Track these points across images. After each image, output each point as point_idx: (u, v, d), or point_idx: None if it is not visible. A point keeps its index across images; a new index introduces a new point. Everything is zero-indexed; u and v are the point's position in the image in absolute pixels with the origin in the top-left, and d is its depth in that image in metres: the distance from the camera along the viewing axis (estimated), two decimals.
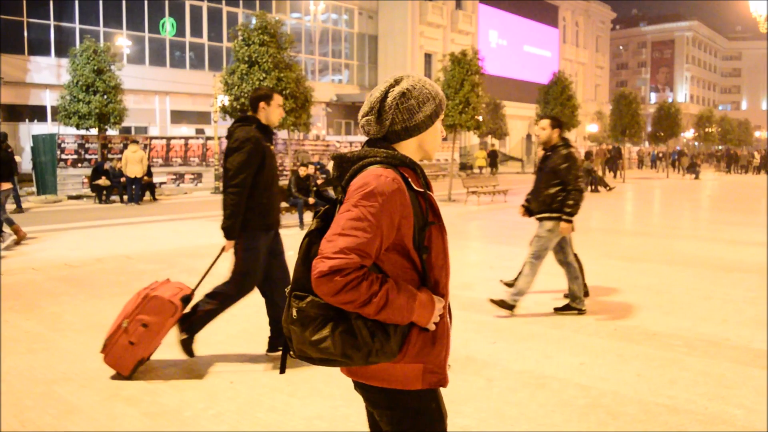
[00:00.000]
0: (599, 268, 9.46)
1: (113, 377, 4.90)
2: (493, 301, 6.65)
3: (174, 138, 24.87)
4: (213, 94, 15.27)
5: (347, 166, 2.11)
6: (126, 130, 30.98)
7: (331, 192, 2.24)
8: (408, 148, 2.16)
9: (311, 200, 13.67)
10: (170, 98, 33.72)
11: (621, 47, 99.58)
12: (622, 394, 4.59)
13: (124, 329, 4.81)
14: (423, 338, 2.07)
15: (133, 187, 18.86)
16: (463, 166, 39.94)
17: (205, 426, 4.12)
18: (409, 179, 2.05)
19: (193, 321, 5.21)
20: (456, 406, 4.35)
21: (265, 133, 5.17)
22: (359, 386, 2.18)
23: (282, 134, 29.90)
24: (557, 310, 6.83)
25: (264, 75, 14.46)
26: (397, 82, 2.14)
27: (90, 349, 5.64)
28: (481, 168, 37.83)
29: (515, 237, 12.59)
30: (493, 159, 36.68)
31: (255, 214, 5.11)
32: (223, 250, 5.23)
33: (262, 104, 5.15)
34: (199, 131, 32.58)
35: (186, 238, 12.23)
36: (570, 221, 6.59)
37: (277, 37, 14.86)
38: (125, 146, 20.61)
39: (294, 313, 2.01)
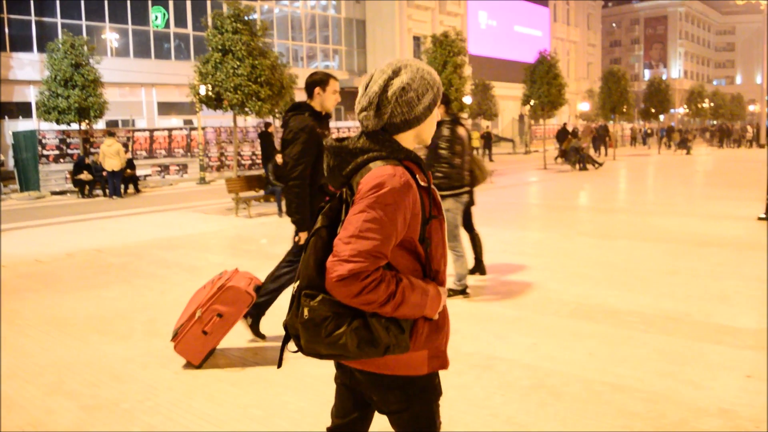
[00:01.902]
0: (570, 246, 9.42)
1: (184, 366, 4.88)
2: None
3: (157, 129, 24.73)
4: (189, 84, 15.07)
5: (349, 158, 2.07)
6: (113, 124, 30.82)
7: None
8: (407, 138, 2.14)
9: None
10: (156, 90, 33.53)
11: (614, 24, 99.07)
12: (569, 373, 4.52)
13: (198, 318, 4.77)
14: (429, 326, 2.11)
15: (114, 180, 18.73)
16: None
17: (139, 417, 4.06)
18: (416, 174, 2.06)
19: None
20: None
21: (319, 120, 5.01)
22: (361, 373, 2.17)
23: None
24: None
25: (238, 63, 14.31)
26: (395, 73, 2.09)
27: (41, 345, 5.59)
28: (476, 149, 37.50)
29: (491, 218, 12.52)
30: (487, 140, 36.31)
31: (321, 203, 5.00)
32: (299, 240, 5.12)
33: (317, 90, 4.97)
34: (188, 122, 32.40)
35: (161, 230, 12.14)
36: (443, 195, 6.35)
37: (250, 24, 14.70)
38: None
39: (306, 312, 1.98)
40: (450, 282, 6.72)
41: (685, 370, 4.54)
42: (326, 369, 4.67)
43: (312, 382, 4.49)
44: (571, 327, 5.58)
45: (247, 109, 14.45)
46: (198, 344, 4.80)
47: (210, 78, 14.36)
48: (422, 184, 2.07)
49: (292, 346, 2.13)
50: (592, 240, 9.78)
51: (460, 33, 19.80)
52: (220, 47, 14.42)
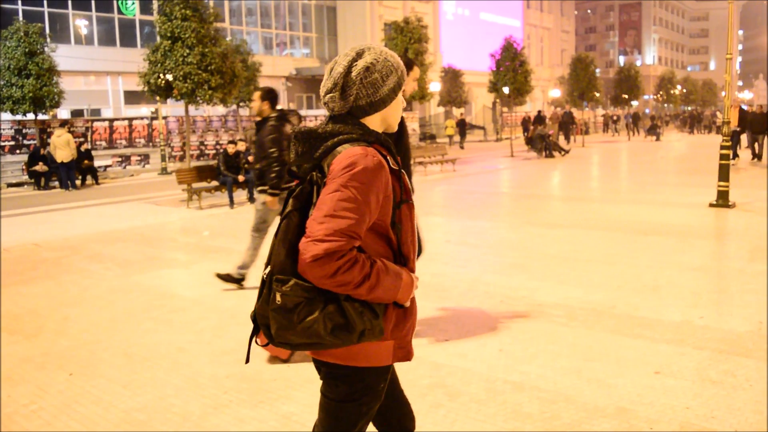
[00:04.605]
0: (515, 236, 9.31)
1: (269, 360, 4.69)
2: (219, 275, 6.60)
3: (117, 119, 24.27)
4: (138, 73, 14.72)
5: (318, 143, 2.04)
6: (78, 113, 30.29)
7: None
8: (373, 122, 2.13)
9: (241, 178, 13.35)
10: (122, 78, 33.01)
11: (589, 11, 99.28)
12: (473, 371, 4.38)
13: None
14: (397, 314, 2.09)
15: (68, 171, 18.30)
16: (424, 136, 39.41)
17: (17, 422, 3.87)
18: (387, 157, 2.04)
19: None
20: (290, 391, 4.15)
21: None
22: (321, 364, 2.13)
23: (242, 111, 29.42)
24: (219, 275, 6.64)
25: (188, 51, 14.00)
26: (359, 55, 2.08)
27: None
28: (450, 137, 37.34)
29: (445, 207, 12.40)
30: (462, 128, 36.13)
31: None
32: None
33: None
34: (155, 111, 31.91)
35: (107, 223, 11.86)
36: (274, 194, 6.24)
37: (200, 11, 14.38)
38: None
39: (278, 298, 1.92)
40: (231, 267, 6.70)
41: (593, 367, 4.42)
42: (220, 369, 4.52)
43: (205, 383, 4.33)
44: (490, 321, 5.45)
45: (197, 98, 14.17)
46: None
47: (159, 66, 14.03)
48: (393, 167, 2.05)
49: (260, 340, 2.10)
50: (539, 229, 9.66)
51: (421, 19, 19.56)
52: (169, 35, 14.12)
